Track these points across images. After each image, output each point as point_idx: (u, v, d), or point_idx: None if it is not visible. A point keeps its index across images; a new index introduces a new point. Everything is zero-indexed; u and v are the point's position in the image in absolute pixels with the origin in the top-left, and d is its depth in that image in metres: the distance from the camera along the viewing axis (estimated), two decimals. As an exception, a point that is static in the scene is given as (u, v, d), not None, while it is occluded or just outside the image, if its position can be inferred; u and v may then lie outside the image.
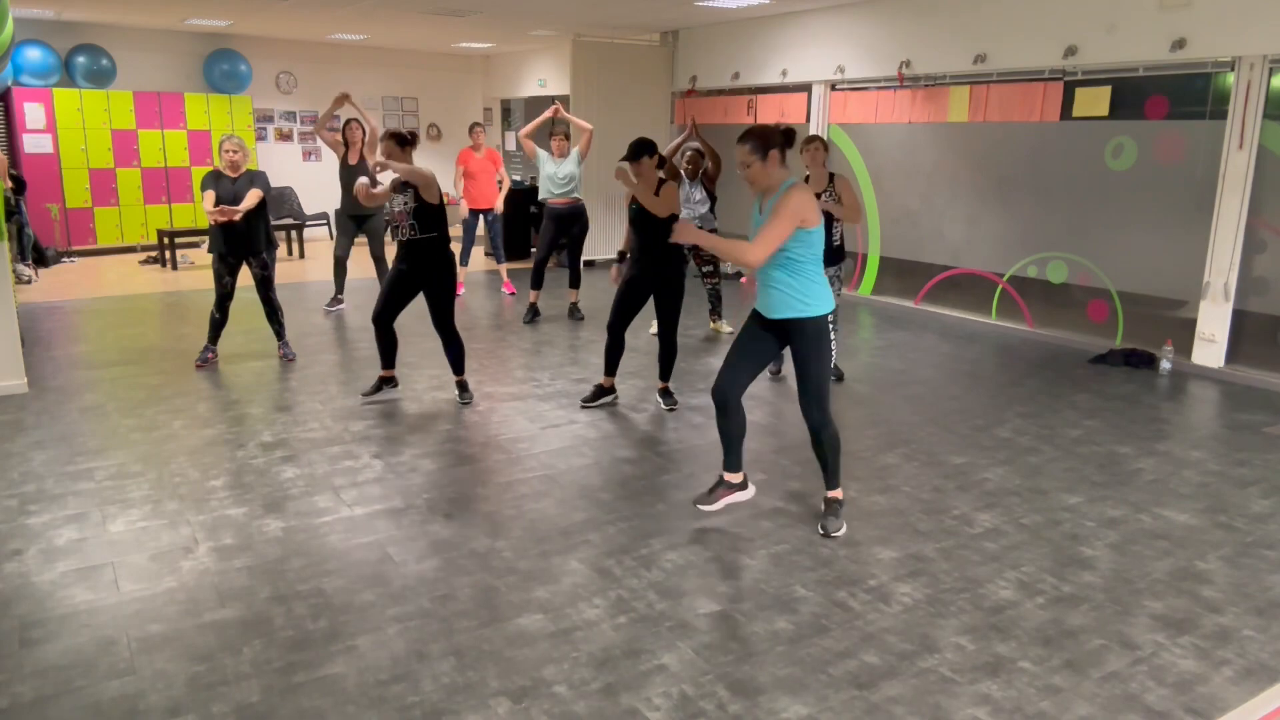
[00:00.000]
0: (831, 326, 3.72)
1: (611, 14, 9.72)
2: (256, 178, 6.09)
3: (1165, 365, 6.53)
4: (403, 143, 5.24)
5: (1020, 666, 2.87)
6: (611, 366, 5.50)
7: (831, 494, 3.89)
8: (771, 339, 3.76)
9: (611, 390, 5.58)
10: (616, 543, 3.69)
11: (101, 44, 11.39)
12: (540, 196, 8.25)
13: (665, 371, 5.48)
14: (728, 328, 7.56)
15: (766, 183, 3.62)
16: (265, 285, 6.26)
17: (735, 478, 3.92)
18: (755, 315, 3.79)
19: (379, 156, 5.24)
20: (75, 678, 2.72)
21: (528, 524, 3.85)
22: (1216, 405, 5.86)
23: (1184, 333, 6.63)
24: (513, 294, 9.17)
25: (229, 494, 4.12)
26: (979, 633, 3.06)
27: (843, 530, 3.83)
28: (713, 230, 7.13)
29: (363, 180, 5.57)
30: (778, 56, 9.72)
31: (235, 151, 6.06)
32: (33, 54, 10.78)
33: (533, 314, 7.99)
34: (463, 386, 5.56)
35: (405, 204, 5.23)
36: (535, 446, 4.80)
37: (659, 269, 5.24)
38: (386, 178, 5.85)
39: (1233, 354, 6.43)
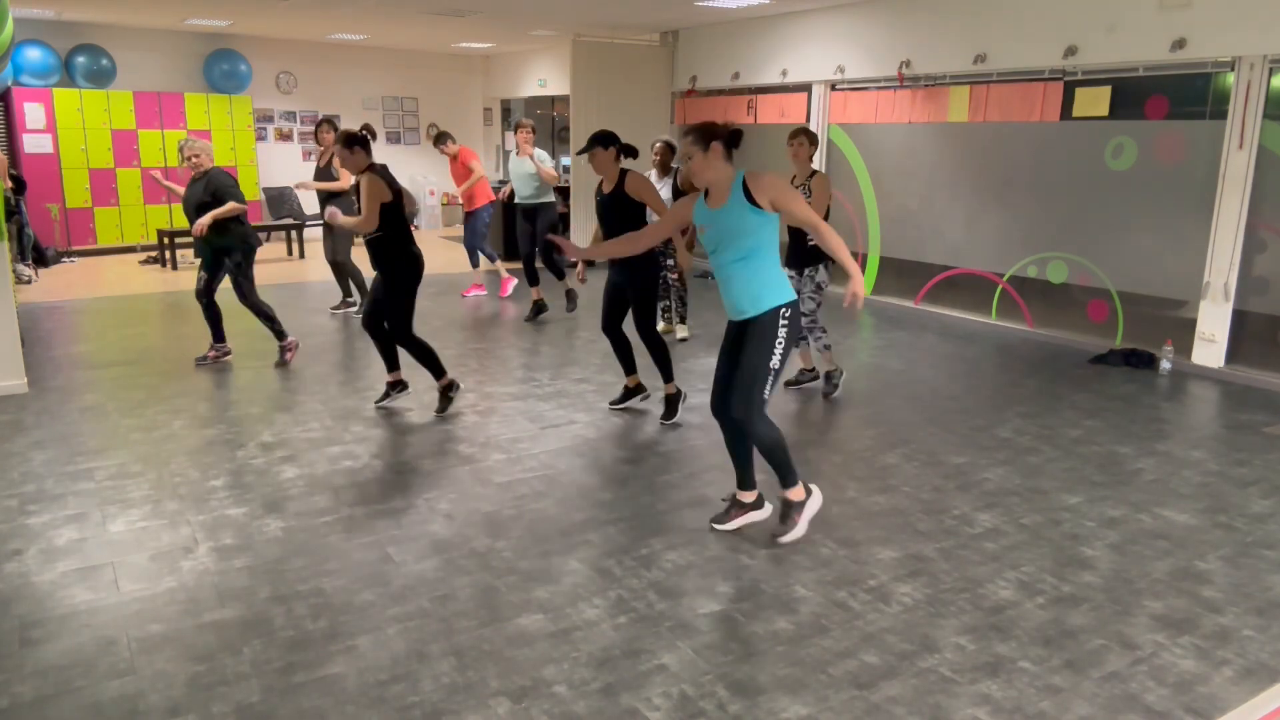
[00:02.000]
0: (784, 322, 3.49)
1: (611, 14, 9.73)
2: (212, 178, 6.01)
3: (1165, 365, 6.53)
4: (350, 144, 5.03)
5: (1020, 666, 2.86)
6: (628, 366, 5.38)
7: (787, 494, 3.68)
8: (738, 342, 3.61)
9: (639, 389, 5.44)
10: (616, 543, 3.69)
11: (101, 44, 11.40)
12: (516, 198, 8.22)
13: (665, 372, 5.22)
14: (684, 333, 7.31)
15: (709, 176, 3.50)
16: (205, 293, 6.20)
17: (747, 496, 3.83)
18: (730, 324, 3.66)
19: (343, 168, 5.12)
20: (75, 678, 2.72)
21: (528, 524, 3.85)
22: (1216, 405, 5.86)
23: (1184, 333, 6.63)
24: (464, 295, 9.07)
25: (229, 494, 4.11)
26: (979, 633, 3.06)
27: (793, 535, 3.67)
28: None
29: (332, 211, 5.33)
30: (778, 56, 9.72)
31: (194, 156, 6.03)
32: (33, 54, 10.78)
33: (535, 311, 7.98)
34: (442, 391, 5.32)
35: (354, 208, 5.14)
36: (535, 446, 4.80)
37: (627, 263, 4.99)
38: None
39: (1233, 354, 6.43)
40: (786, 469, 3.64)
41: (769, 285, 3.50)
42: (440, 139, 8.54)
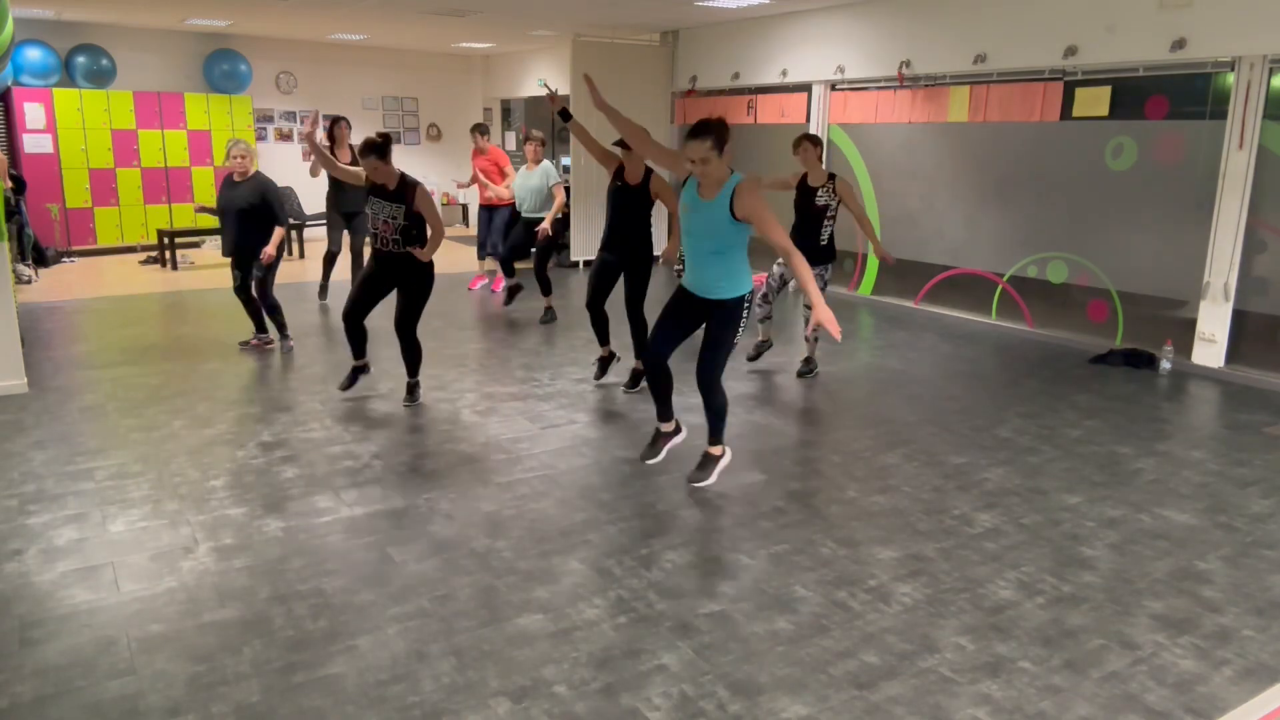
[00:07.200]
0: (746, 307, 4.03)
1: (611, 14, 9.72)
2: (260, 183, 6.35)
3: (1165, 365, 6.53)
4: (382, 153, 5.01)
5: (1020, 666, 2.87)
6: (603, 338, 5.89)
7: (711, 449, 4.29)
8: (697, 312, 4.12)
9: (612, 357, 5.97)
10: (616, 543, 3.69)
11: (101, 44, 11.39)
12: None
13: (639, 346, 5.57)
14: None
15: (715, 174, 3.84)
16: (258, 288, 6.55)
17: (668, 426, 4.46)
18: (685, 292, 4.12)
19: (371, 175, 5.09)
20: (75, 678, 2.72)
21: (528, 524, 3.85)
22: (1216, 405, 5.86)
23: (1184, 333, 6.63)
24: (495, 290, 9.24)
25: (229, 494, 4.11)
26: (979, 633, 3.06)
27: (707, 483, 4.24)
28: None
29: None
30: (778, 56, 9.72)
31: (241, 157, 6.28)
32: (33, 54, 10.78)
33: (549, 316, 7.98)
34: (411, 388, 5.47)
35: (393, 218, 5.08)
36: (535, 446, 4.80)
37: (630, 249, 5.52)
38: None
39: (1233, 354, 6.43)
40: (720, 428, 4.25)
41: (737, 275, 3.99)
42: (481, 129, 8.72)
